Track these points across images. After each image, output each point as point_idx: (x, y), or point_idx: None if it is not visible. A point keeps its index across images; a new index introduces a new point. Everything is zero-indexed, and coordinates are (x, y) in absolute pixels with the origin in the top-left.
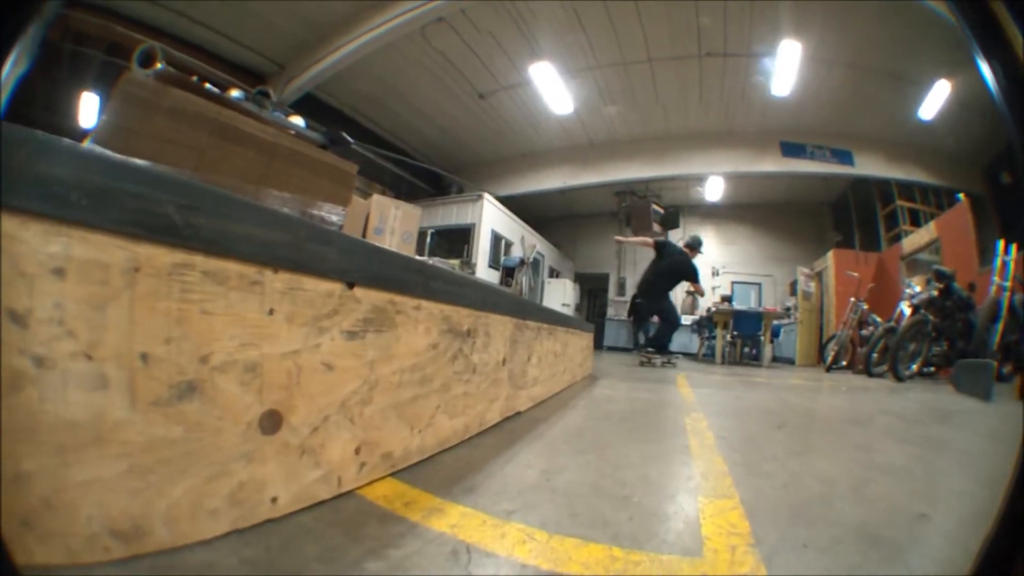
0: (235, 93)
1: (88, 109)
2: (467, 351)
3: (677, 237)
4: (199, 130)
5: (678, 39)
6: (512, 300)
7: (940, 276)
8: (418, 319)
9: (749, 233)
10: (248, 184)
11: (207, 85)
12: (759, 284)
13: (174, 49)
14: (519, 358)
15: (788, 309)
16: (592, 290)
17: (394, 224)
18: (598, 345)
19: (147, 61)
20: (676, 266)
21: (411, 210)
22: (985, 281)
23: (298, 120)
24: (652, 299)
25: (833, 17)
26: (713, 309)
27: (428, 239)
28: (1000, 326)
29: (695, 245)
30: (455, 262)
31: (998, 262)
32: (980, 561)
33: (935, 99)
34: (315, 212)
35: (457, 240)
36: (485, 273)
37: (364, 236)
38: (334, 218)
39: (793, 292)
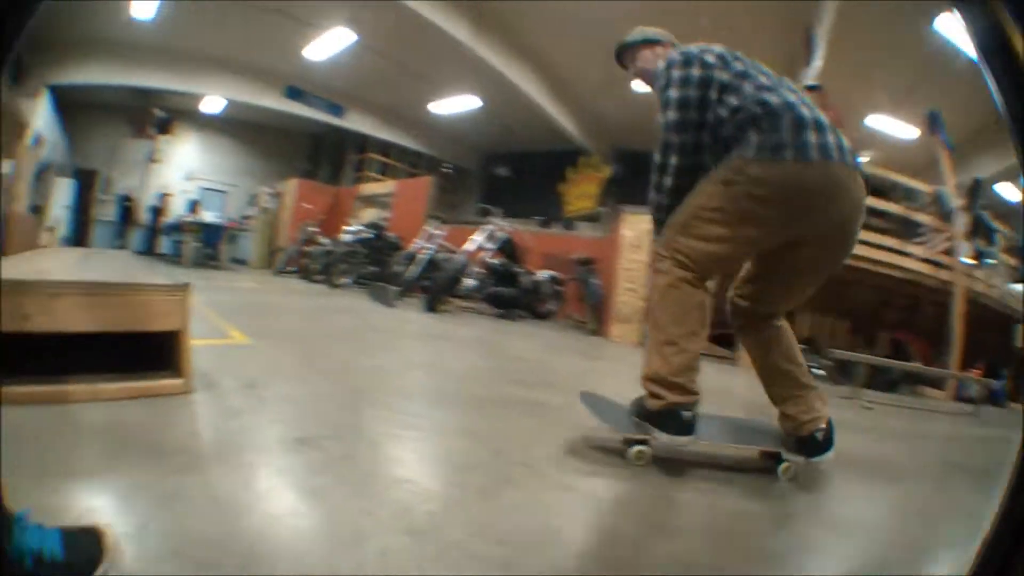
0: None
1: None
2: None
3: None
4: None
5: None
6: None
7: (374, 226)
8: None
9: (229, 146)
10: None
11: None
12: (225, 192)
13: None
14: None
15: (247, 218)
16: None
17: None
18: None
19: None
20: None
21: None
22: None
23: None
24: None
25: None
26: (188, 219)
27: None
28: (419, 269)
29: None
30: None
31: (426, 233)
32: (980, 561)
33: (456, 104)
34: None
35: None
36: None
37: None
38: None
39: (251, 203)
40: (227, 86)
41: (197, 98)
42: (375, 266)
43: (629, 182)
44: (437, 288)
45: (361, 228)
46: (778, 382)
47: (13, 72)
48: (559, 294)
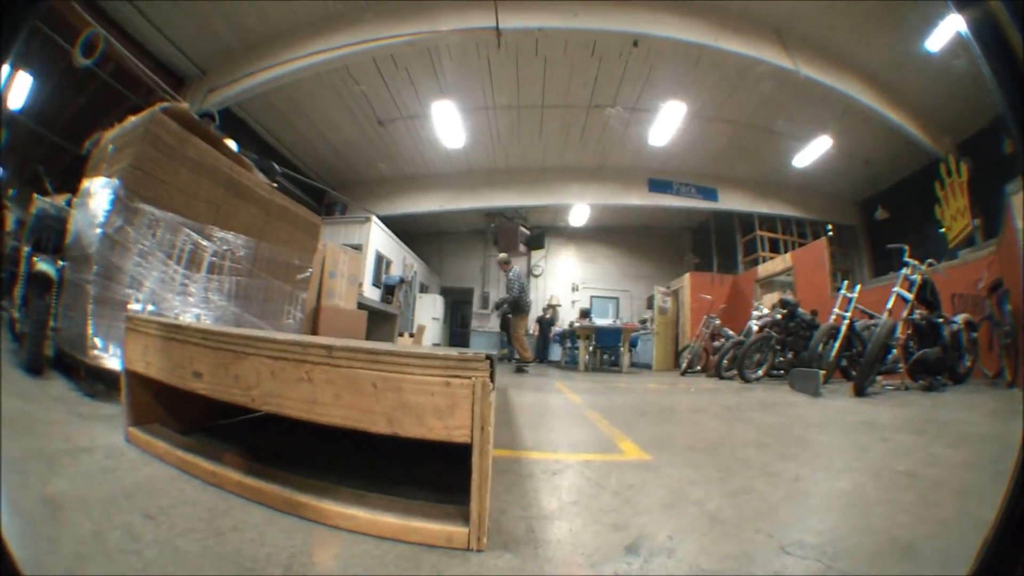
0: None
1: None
2: None
3: (540, 257)
4: (216, 184)
5: (573, 91)
6: None
7: (785, 304)
8: None
9: (609, 253)
10: (253, 238)
11: (211, 128)
12: (616, 298)
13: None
14: None
15: (644, 321)
16: (456, 303)
17: (343, 268)
18: None
19: (89, 50)
20: None
21: (355, 255)
22: (829, 306)
23: (231, 144)
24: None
25: (723, 84)
26: (577, 324)
27: None
28: (838, 344)
29: None
30: None
31: (840, 298)
32: (980, 561)
33: (812, 151)
34: (296, 262)
35: None
36: (369, 291)
37: (321, 279)
38: (309, 270)
39: (649, 306)
40: (586, 194)
41: (563, 212)
42: (791, 350)
43: (991, 171)
44: (867, 365)
45: (768, 311)
46: None
47: (342, 207)
48: (975, 343)
